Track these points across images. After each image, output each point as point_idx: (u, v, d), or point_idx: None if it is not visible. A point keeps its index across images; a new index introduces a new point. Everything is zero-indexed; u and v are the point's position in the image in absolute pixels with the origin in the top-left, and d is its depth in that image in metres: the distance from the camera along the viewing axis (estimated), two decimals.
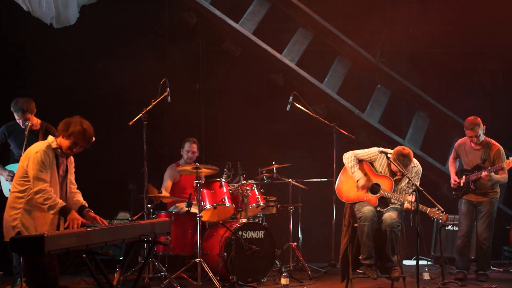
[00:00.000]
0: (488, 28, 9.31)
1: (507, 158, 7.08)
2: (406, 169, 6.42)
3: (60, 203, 4.92)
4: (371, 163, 6.73)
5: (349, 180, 6.74)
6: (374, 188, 6.58)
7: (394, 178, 6.57)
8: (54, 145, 5.02)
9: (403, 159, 6.44)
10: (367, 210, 6.45)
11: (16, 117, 6.54)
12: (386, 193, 6.49)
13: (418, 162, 6.69)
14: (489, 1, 9.16)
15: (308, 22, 9.29)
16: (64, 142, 5.02)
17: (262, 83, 9.39)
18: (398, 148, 6.59)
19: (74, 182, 5.33)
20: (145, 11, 8.97)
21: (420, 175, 6.65)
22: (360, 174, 6.62)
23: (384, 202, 6.57)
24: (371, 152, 6.75)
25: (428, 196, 6.09)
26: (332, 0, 9.42)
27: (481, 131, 7.14)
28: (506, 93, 9.53)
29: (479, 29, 9.36)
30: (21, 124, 6.54)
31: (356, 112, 9.02)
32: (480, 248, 7.26)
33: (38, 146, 4.99)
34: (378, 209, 6.55)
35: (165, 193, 7.63)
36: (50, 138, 5.10)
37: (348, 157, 6.76)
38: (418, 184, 6.42)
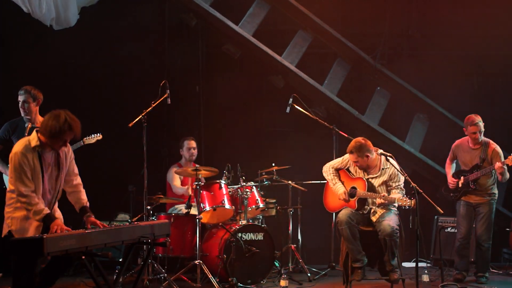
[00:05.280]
0: (487, 30, 9.32)
1: (505, 157, 7.06)
2: (367, 155, 6.53)
3: (46, 210, 4.80)
4: (348, 168, 6.82)
5: (332, 191, 6.87)
6: (352, 192, 6.65)
7: (368, 177, 6.62)
8: (33, 143, 4.82)
9: (360, 150, 6.52)
10: (341, 214, 6.54)
11: (19, 98, 6.46)
12: (362, 193, 6.56)
13: (391, 163, 6.51)
14: (488, 3, 9.17)
15: (308, 24, 9.29)
16: (47, 141, 4.83)
17: (262, 85, 9.40)
18: (353, 142, 6.63)
19: (75, 173, 5.17)
20: (145, 13, 8.97)
21: (397, 174, 6.56)
22: (340, 186, 6.74)
23: (362, 203, 6.63)
24: (345, 157, 6.85)
25: (428, 198, 6.09)
26: (332, 2, 9.42)
27: (482, 127, 7.16)
28: (505, 96, 9.52)
29: (478, 32, 9.36)
30: (21, 111, 6.46)
31: (355, 114, 9.02)
32: (479, 250, 7.26)
33: (16, 148, 4.85)
34: (361, 212, 6.62)
35: (186, 190, 7.73)
36: (32, 135, 4.90)
37: (327, 170, 6.91)
38: (402, 181, 6.52)
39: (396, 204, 6.46)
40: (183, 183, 7.93)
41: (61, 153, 5.03)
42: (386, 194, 6.45)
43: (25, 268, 4.78)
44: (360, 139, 6.62)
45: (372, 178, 6.63)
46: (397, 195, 6.40)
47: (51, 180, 5.00)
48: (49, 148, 4.91)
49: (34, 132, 4.94)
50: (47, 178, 4.94)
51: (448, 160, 7.56)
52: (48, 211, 4.84)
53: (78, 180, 5.24)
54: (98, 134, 7.10)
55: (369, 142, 6.60)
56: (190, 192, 7.65)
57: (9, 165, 4.94)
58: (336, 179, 6.81)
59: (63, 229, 4.78)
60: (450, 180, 7.39)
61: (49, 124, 4.78)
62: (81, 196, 5.20)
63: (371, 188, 6.59)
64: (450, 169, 7.50)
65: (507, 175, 7.11)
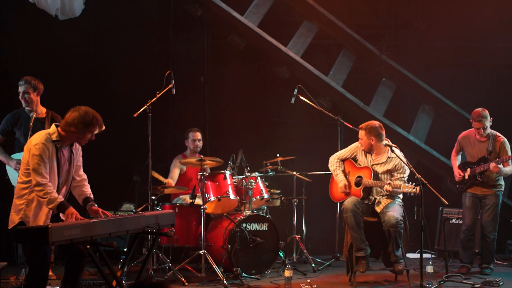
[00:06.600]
0: (493, 22, 9.27)
1: None
2: (372, 139, 6.61)
3: (59, 198, 4.84)
4: (355, 158, 6.82)
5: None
6: (357, 181, 6.65)
7: (373, 163, 6.65)
8: (54, 137, 4.92)
9: (369, 132, 6.61)
10: (347, 202, 6.56)
11: (19, 89, 6.44)
12: (368, 182, 6.58)
13: (396, 154, 6.53)
14: None
15: (313, 15, 9.26)
16: (74, 134, 4.94)
17: (267, 76, 9.38)
18: (370, 122, 6.70)
19: (81, 171, 5.26)
20: (150, 3, 8.96)
21: (402, 166, 6.55)
22: (342, 178, 6.77)
23: (368, 192, 6.64)
24: (352, 147, 6.87)
25: (433, 189, 6.08)
26: None
27: (488, 123, 7.09)
28: (510, 87, 9.48)
29: (484, 23, 9.32)
30: (22, 102, 6.45)
31: (361, 105, 9.00)
32: (485, 241, 7.25)
33: (38, 138, 4.91)
34: (366, 201, 6.63)
35: (170, 182, 7.67)
36: (52, 128, 4.99)
37: (332, 161, 6.95)
38: (406, 174, 6.52)
39: (401, 194, 6.45)
40: (186, 173, 7.94)
41: (73, 149, 5.12)
42: (391, 182, 6.45)
43: (37, 258, 4.83)
44: (376, 123, 6.69)
45: (377, 164, 6.64)
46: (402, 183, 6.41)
47: (65, 174, 5.08)
48: (67, 142, 5.01)
49: (53, 126, 5.00)
50: (62, 172, 5.03)
51: (454, 152, 7.52)
52: (62, 199, 4.88)
53: (83, 175, 5.31)
54: None
55: (383, 131, 6.65)
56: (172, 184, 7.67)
57: (23, 156, 4.94)
58: (338, 170, 6.83)
59: (78, 217, 4.82)
60: (456, 172, 7.36)
61: (80, 115, 4.92)
62: (85, 189, 5.27)
63: (375, 175, 6.59)
64: (456, 161, 7.46)
65: (503, 173, 7.06)
